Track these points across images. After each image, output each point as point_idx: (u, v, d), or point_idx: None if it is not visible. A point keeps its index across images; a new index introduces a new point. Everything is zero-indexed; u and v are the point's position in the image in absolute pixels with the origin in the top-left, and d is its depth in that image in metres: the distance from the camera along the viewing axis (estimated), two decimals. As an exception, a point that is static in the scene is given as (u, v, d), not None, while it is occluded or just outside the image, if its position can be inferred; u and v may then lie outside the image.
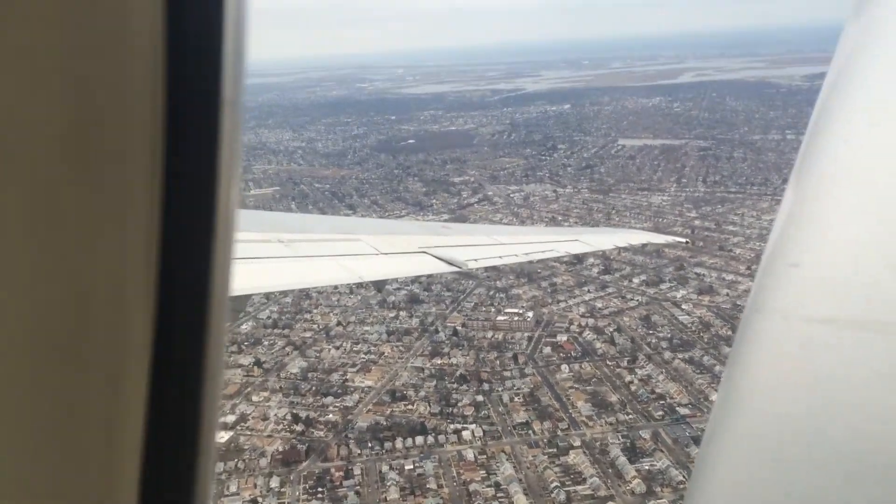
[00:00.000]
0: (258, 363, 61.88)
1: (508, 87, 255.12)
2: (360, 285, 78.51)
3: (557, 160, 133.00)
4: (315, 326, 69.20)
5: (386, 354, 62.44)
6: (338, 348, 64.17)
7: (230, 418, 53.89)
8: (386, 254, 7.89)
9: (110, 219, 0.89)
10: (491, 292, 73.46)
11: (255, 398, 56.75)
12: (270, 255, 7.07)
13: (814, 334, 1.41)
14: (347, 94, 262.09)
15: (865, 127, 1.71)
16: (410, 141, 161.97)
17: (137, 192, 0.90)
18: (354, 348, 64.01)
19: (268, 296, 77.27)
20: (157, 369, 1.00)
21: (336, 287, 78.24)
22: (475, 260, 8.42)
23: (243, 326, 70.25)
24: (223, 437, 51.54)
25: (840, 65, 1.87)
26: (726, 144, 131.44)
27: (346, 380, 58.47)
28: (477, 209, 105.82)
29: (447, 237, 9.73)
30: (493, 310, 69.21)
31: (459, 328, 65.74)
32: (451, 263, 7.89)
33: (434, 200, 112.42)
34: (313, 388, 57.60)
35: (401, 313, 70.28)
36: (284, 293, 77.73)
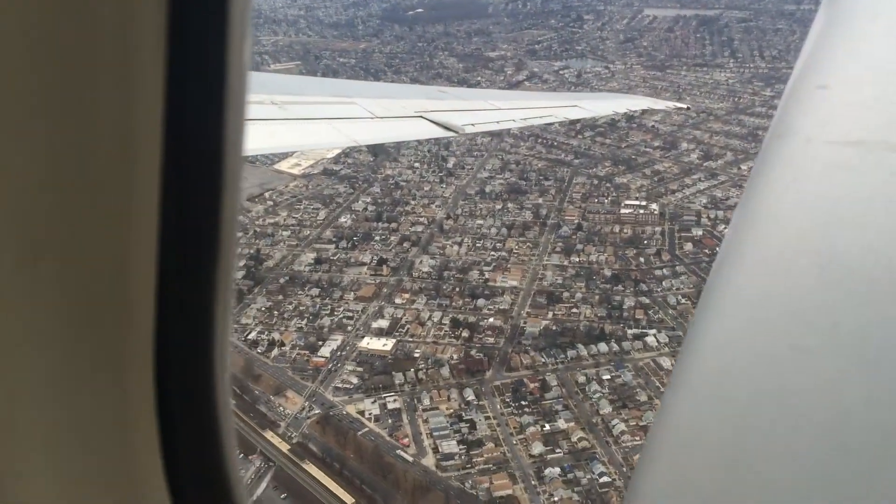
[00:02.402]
0: (382, 261, 58.35)
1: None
2: (450, 174, 74.64)
3: (590, 33, 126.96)
4: (423, 220, 65.33)
5: (515, 251, 59.41)
6: (459, 244, 60.81)
7: (383, 323, 51.01)
8: (381, 118, 7.79)
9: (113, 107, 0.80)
10: (594, 181, 70.54)
11: (397, 300, 53.70)
12: (263, 117, 6.61)
13: (837, 156, 1.41)
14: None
15: None
16: (419, 10, 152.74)
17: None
18: (477, 244, 60.75)
19: (353, 185, 72.91)
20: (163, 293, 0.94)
21: (423, 176, 74.23)
22: (472, 125, 8.38)
23: (342, 219, 66.19)
24: (386, 345, 48.87)
25: None
26: (765, 16, 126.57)
27: (487, 279, 55.55)
28: (529, 87, 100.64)
29: (444, 101, 9.39)
30: (606, 201, 66.37)
31: (582, 222, 62.87)
32: (447, 128, 7.81)
33: (479, 78, 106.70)
34: (456, 288, 54.67)
35: (508, 204, 66.87)
36: (370, 182, 73.56)
